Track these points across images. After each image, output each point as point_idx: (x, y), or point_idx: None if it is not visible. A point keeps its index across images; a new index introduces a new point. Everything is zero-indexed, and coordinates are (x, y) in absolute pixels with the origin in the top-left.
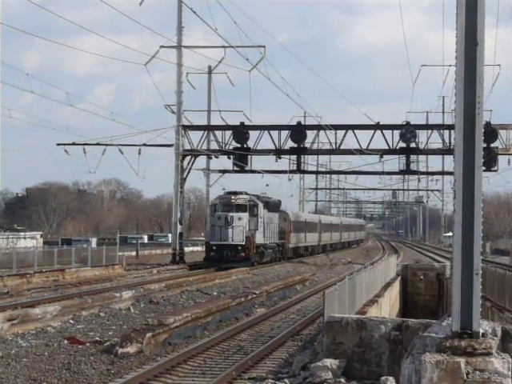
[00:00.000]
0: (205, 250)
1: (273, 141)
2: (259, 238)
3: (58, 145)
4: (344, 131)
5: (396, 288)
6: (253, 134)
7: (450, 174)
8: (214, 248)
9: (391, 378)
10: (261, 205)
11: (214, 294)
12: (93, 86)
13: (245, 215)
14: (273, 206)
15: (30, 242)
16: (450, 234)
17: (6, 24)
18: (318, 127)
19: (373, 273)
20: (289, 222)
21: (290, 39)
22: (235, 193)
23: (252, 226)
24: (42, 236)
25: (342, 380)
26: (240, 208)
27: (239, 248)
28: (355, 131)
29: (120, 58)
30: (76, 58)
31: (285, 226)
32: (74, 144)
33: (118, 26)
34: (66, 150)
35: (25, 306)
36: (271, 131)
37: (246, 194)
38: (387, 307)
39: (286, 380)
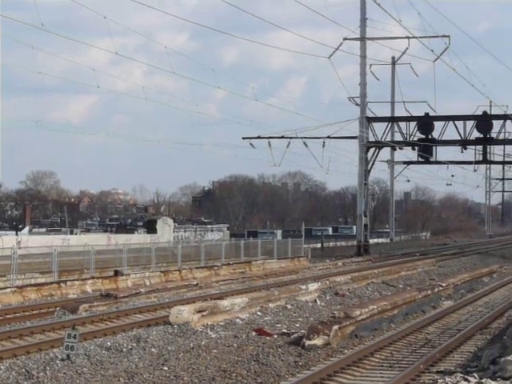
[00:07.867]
0: None
1: (458, 131)
2: None
3: (244, 138)
4: None
5: None
6: (437, 125)
7: None
8: None
9: None
10: None
11: (400, 286)
12: (286, 79)
13: None
14: None
15: (217, 234)
16: None
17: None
18: (505, 117)
19: None
20: None
21: (491, 28)
22: None
23: None
24: (228, 229)
25: None
26: None
27: None
28: None
29: (308, 53)
30: (272, 53)
31: None
32: (259, 137)
33: (314, 21)
34: (251, 144)
35: (213, 298)
36: (456, 121)
37: None
38: None
39: (475, 374)
